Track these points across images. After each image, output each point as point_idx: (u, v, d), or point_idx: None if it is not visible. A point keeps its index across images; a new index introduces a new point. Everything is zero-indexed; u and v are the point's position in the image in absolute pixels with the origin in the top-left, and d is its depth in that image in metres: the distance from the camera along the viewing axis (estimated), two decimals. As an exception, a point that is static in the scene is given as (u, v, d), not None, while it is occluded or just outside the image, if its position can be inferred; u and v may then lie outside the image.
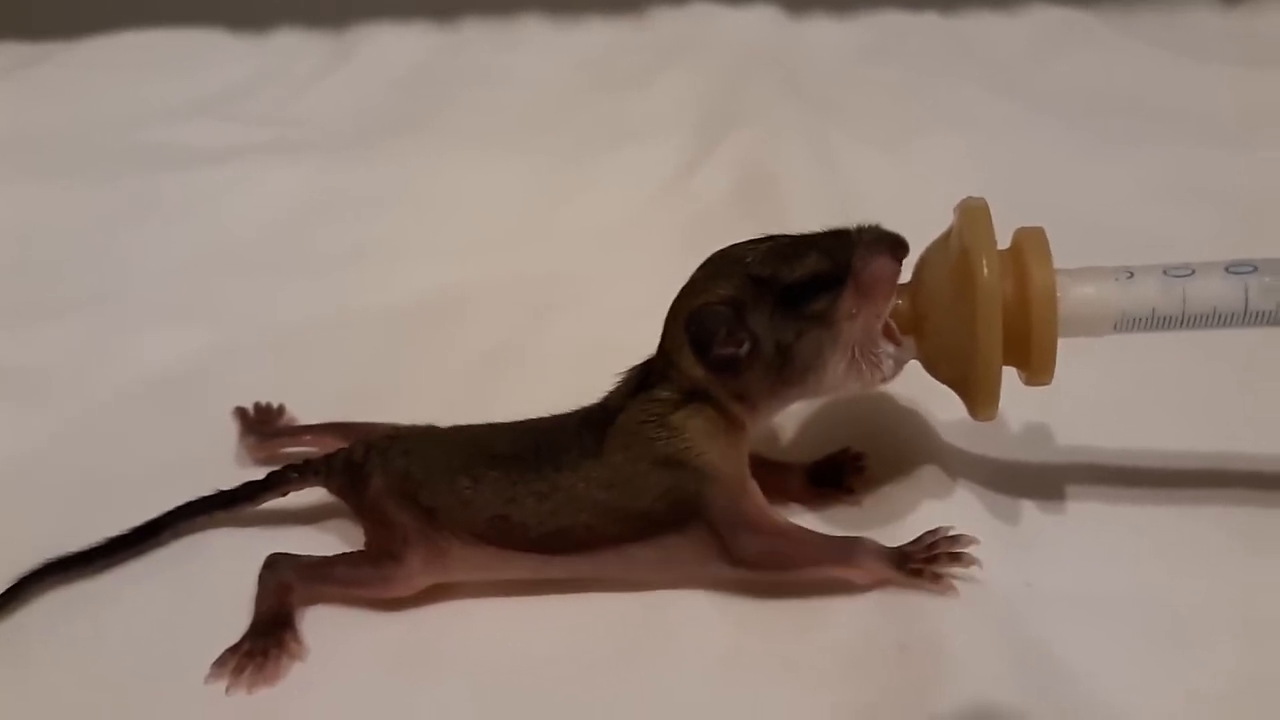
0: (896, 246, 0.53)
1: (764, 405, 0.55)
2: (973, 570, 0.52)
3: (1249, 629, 0.51)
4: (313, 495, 0.60)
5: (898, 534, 0.55)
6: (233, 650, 0.53)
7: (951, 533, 0.52)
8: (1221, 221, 0.82)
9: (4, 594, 0.56)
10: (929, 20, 1.28)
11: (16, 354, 0.78)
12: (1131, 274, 0.52)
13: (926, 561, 0.52)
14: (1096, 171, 0.92)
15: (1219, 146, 0.94)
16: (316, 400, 0.70)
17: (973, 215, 0.52)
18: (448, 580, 0.55)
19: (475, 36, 1.32)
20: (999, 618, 0.51)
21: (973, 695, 0.47)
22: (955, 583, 0.51)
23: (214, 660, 0.52)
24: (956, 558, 0.52)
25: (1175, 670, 0.49)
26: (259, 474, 0.60)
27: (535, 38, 1.31)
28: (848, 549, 0.52)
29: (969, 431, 0.62)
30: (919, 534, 0.53)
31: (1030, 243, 0.51)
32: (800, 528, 0.54)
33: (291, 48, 1.32)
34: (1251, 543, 0.55)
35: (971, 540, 0.52)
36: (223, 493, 0.60)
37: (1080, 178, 0.92)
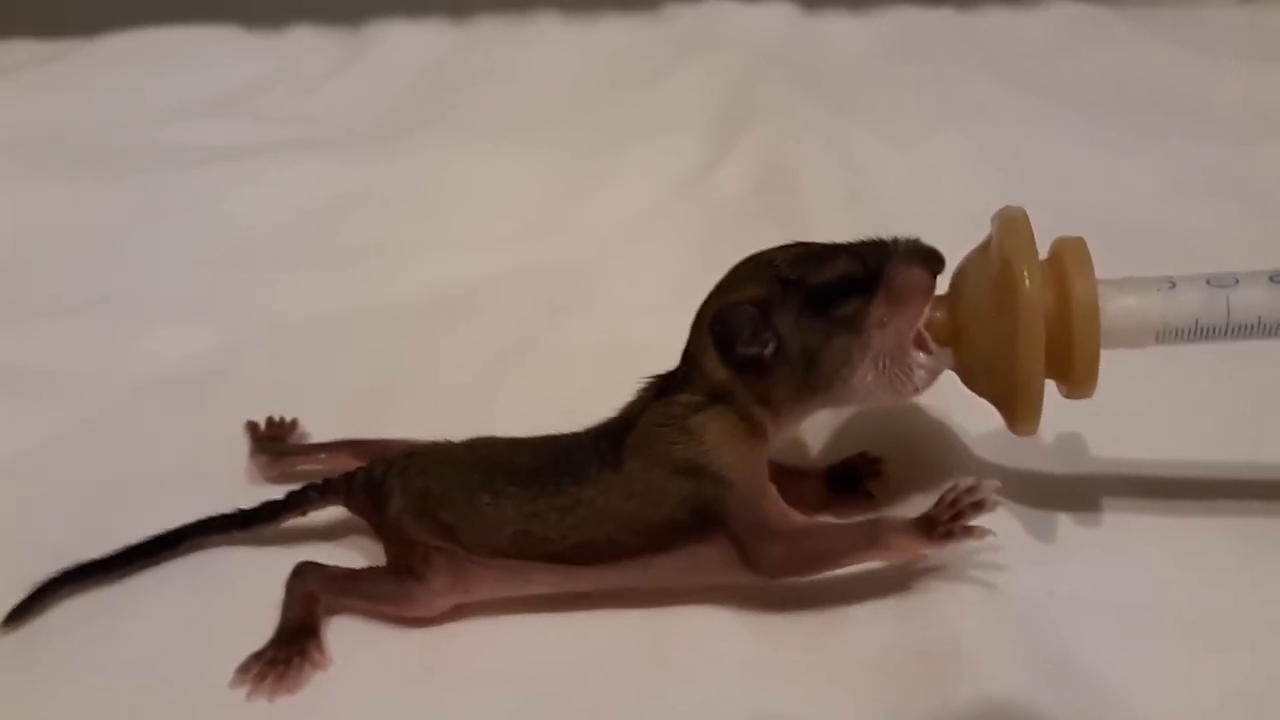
0: (932, 259, 0.52)
1: (789, 412, 0.54)
2: (994, 577, 0.52)
3: (1273, 635, 0.50)
4: (330, 511, 0.60)
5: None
6: (256, 656, 0.53)
7: (967, 483, 0.51)
8: (1241, 216, 0.82)
9: (22, 602, 0.56)
10: (946, 16, 1.27)
11: (28, 351, 0.78)
12: (1174, 284, 0.51)
13: (953, 520, 0.50)
14: (1115, 167, 0.92)
15: (1238, 141, 0.94)
16: (331, 398, 0.70)
17: (1012, 225, 0.51)
18: (470, 600, 0.54)
19: (490, 33, 1.32)
20: (1020, 624, 0.51)
21: (994, 701, 0.46)
22: (975, 588, 0.52)
23: (238, 666, 0.52)
24: (980, 505, 0.50)
25: (1197, 676, 0.49)
26: (273, 491, 0.60)
27: (550, 34, 1.31)
28: (872, 531, 0.51)
29: (990, 438, 0.61)
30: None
31: (1071, 253, 0.51)
32: (820, 523, 0.54)
33: (306, 45, 1.31)
34: (1276, 552, 0.54)
35: (992, 484, 0.50)
36: (242, 512, 0.59)
37: (1098, 173, 0.91)
